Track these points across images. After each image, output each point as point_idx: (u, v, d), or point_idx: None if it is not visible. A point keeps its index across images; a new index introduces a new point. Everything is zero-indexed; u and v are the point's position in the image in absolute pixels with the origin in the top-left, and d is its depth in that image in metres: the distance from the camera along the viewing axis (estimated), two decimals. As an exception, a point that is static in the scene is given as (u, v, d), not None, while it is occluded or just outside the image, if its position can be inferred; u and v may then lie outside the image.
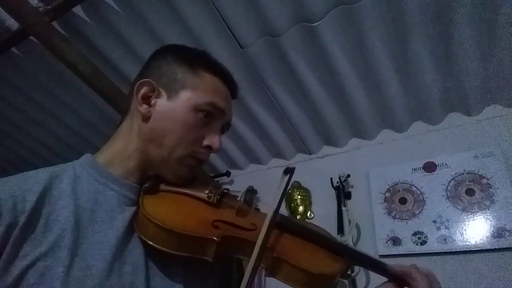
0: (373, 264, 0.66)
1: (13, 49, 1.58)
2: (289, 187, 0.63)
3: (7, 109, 1.97)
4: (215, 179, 2.26)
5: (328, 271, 0.57)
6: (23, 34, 1.47)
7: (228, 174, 2.23)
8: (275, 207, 0.58)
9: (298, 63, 1.49)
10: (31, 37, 1.46)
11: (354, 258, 0.65)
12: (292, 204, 1.90)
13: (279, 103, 1.71)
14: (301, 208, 1.88)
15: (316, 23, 1.31)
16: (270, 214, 0.56)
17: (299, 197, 1.90)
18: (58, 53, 1.41)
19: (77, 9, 1.39)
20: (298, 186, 1.95)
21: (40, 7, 1.36)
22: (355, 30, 1.34)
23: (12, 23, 1.44)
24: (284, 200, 1.92)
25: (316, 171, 1.95)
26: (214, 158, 2.19)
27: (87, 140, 2.14)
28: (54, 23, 1.41)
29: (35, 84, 1.78)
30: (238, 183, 2.22)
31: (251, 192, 1.99)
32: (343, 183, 1.77)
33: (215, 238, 0.52)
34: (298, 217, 1.86)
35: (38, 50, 1.51)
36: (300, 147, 2.00)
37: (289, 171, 0.60)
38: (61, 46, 1.40)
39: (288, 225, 0.64)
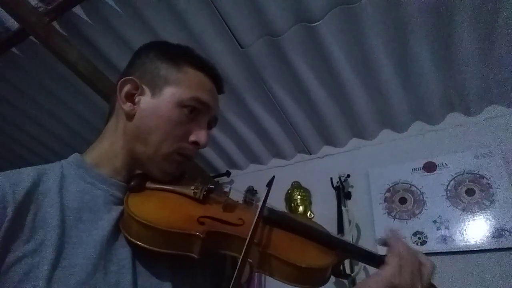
0: (366, 256, 0.65)
1: (13, 49, 1.59)
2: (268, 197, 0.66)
3: (7, 109, 1.97)
4: (215, 179, 2.26)
5: (317, 265, 0.56)
6: (23, 34, 1.47)
7: (228, 174, 2.23)
8: (262, 202, 0.58)
9: (298, 63, 1.49)
10: (31, 37, 1.46)
11: (346, 250, 0.64)
12: (292, 204, 1.89)
13: (279, 103, 1.71)
14: (301, 208, 1.88)
15: (316, 23, 1.31)
16: (257, 208, 0.56)
17: (299, 197, 1.90)
18: (58, 53, 1.41)
19: (77, 9, 1.39)
20: (298, 186, 1.95)
21: (40, 7, 1.36)
22: (355, 30, 1.34)
23: (12, 23, 1.44)
24: (284, 200, 1.94)
25: (316, 171, 1.95)
26: (214, 158, 2.20)
27: (87, 140, 2.13)
28: (54, 23, 1.42)
29: (35, 84, 1.78)
30: (238, 183, 2.21)
31: (251, 192, 2.00)
32: (343, 183, 1.77)
33: (199, 234, 0.51)
34: (298, 217, 1.86)
35: (38, 50, 1.51)
36: (300, 147, 2.00)
37: (269, 183, 0.65)
38: (61, 46, 1.40)
39: (277, 219, 0.63)
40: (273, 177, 0.67)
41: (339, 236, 1.46)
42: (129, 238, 0.53)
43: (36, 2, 1.35)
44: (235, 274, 0.47)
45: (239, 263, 0.48)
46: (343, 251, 0.63)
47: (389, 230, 0.64)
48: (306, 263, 0.55)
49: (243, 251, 0.50)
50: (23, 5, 1.30)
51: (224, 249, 0.56)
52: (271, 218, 0.62)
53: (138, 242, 0.52)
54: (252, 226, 0.53)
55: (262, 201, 0.61)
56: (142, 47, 0.68)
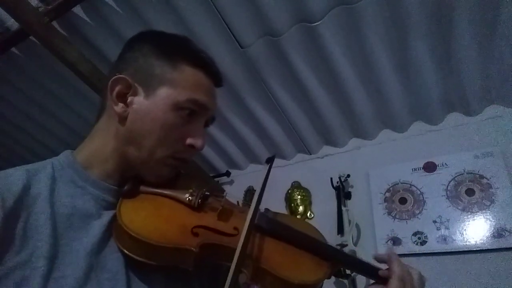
0: (361, 268, 0.64)
1: (13, 49, 1.59)
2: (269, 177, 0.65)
3: (7, 109, 1.97)
4: (215, 179, 2.26)
5: (310, 280, 0.55)
6: (23, 34, 1.46)
7: (228, 174, 2.23)
8: (253, 211, 0.55)
9: (298, 63, 1.49)
10: (31, 37, 1.46)
11: (341, 261, 0.63)
12: (292, 204, 1.90)
13: (279, 103, 1.71)
14: (301, 208, 1.88)
15: (316, 23, 1.31)
16: (248, 218, 0.54)
17: (299, 197, 1.90)
18: (58, 53, 1.41)
19: (77, 9, 1.39)
20: (298, 186, 1.95)
21: (40, 7, 1.35)
22: (355, 30, 1.34)
23: (12, 23, 1.44)
24: (284, 200, 1.94)
25: (316, 171, 1.95)
26: (214, 158, 2.19)
27: (87, 140, 2.13)
28: (54, 23, 1.41)
29: (35, 84, 1.78)
30: (238, 183, 2.21)
31: (251, 192, 2.00)
32: (343, 183, 1.77)
33: (193, 249, 0.50)
34: (298, 217, 1.86)
35: (38, 50, 1.51)
36: (300, 147, 2.00)
37: (270, 159, 0.62)
38: (61, 46, 1.40)
39: (271, 228, 0.61)
40: (274, 155, 0.66)
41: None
42: (122, 249, 0.51)
43: (36, 2, 1.35)
44: (227, 285, 0.45)
45: (230, 276, 0.46)
46: (338, 262, 0.62)
47: (388, 249, 0.65)
48: (298, 279, 0.53)
49: (233, 264, 0.48)
50: (23, 5, 1.29)
51: (218, 260, 0.55)
52: (264, 227, 0.60)
53: (131, 254, 0.51)
54: (242, 240, 0.51)
55: (259, 193, 0.59)
56: (135, 38, 0.63)
